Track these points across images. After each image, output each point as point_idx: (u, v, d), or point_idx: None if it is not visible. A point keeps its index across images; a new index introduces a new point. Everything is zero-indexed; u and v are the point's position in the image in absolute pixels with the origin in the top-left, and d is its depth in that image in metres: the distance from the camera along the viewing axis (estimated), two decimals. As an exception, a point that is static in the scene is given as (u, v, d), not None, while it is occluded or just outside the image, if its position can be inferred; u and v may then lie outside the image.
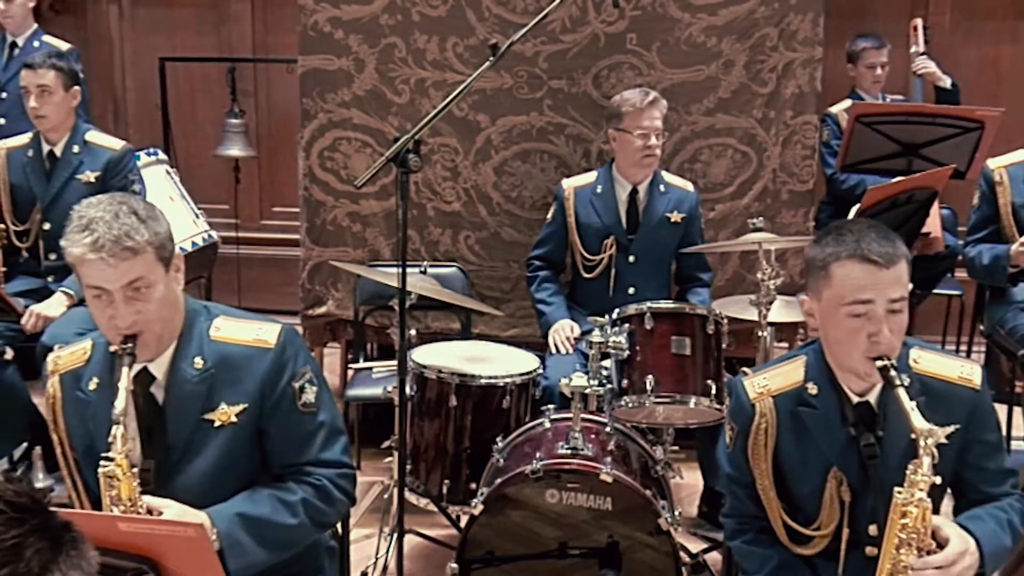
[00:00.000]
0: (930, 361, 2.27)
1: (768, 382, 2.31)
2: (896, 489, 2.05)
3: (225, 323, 2.27)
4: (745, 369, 2.40)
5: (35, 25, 5.33)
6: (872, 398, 2.22)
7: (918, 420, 2.02)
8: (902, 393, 2.06)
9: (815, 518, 2.26)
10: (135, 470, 2.07)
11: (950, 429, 2.20)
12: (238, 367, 2.22)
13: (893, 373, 2.08)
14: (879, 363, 2.10)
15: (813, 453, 2.25)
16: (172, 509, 2.08)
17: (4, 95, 5.18)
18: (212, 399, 2.21)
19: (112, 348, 2.16)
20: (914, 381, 2.20)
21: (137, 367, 2.16)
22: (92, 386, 2.23)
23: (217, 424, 2.21)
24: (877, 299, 2.11)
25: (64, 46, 5.12)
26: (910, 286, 2.19)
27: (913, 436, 2.03)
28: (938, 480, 2.05)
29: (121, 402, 2.05)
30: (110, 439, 2.05)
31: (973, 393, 2.25)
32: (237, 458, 2.23)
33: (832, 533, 2.24)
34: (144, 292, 2.10)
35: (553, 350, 3.76)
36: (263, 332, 2.26)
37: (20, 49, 5.23)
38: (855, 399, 2.23)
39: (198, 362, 2.21)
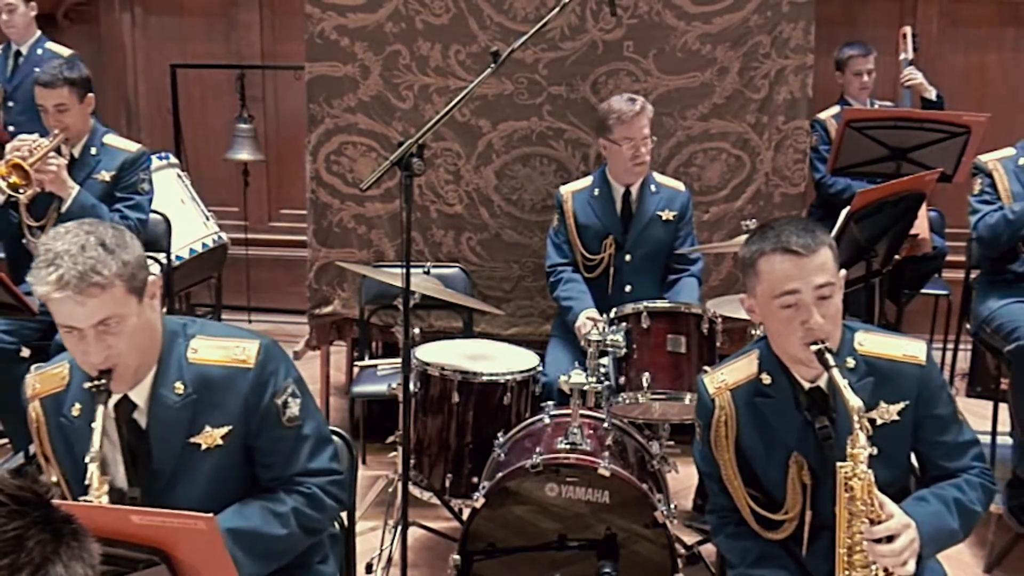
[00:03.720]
0: (874, 343, 2.29)
1: (725, 377, 2.35)
2: (838, 464, 2.08)
3: (202, 343, 2.15)
4: (706, 368, 2.43)
5: (38, 32, 5.28)
6: (823, 383, 2.24)
7: (852, 398, 2.07)
8: (836, 373, 2.10)
9: (783, 503, 2.28)
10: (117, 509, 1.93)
11: (900, 406, 2.23)
12: (219, 389, 2.12)
13: (828, 356, 2.12)
14: (813, 347, 2.13)
15: (773, 440, 2.28)
16: None
17: (11, 104, 5.13)
18: (196, 423, 2.12)
19: (86, 385, 2.05)
20: (860, 363, 2.24)
21: (117, 396, 2.07)
22: (75, 412, 2.13)
23: (204, 447, 2.12)
24: (803, 288, 2.14)
25: (66, 52, 5.10)
26: (842, 272, 2.22)
27: (849, 409, 2.06)
28: (875, 451, 2.08)
29: (96, 443, 1.96)
30: (87, 480, 1.96)
31: (919, 369, 2.27)
32: (227, 479, 2.16)
33: (798, 516, 2.26)
34: (115, 327, 1.98)
35: (583, 343, 3.69)
36: (240, 351, 2.15)
37: (25, 57, 5.19)
38: (807, 385, 2.25)
39: (178, 387, 2.11)
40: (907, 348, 2.29)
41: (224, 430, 2.13)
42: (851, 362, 2.23)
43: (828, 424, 2.20)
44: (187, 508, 1.97)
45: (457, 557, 2.93)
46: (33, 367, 2.26)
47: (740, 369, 2.35)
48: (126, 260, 1.99)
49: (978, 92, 5.46)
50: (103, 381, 2.00)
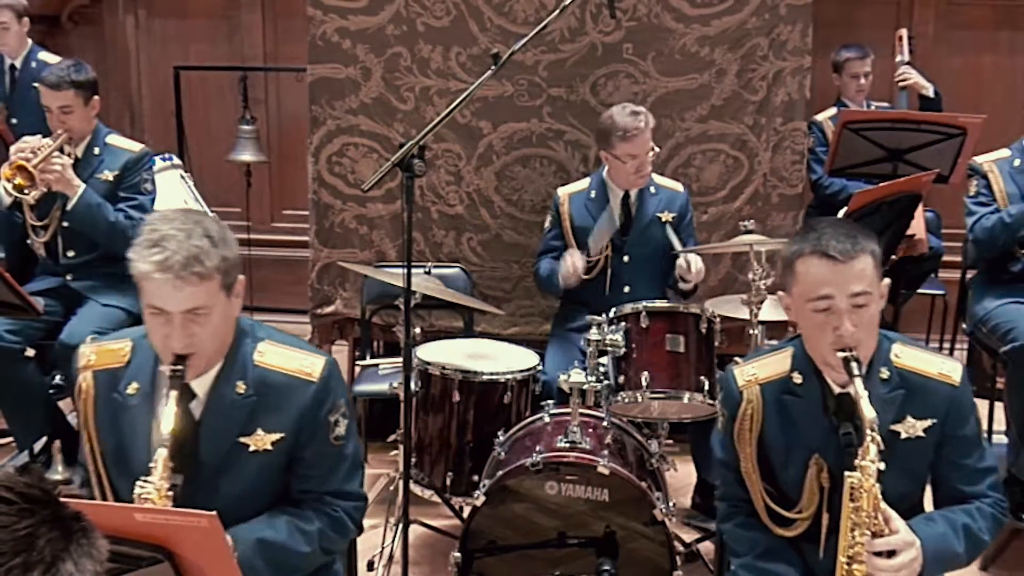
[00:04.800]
0: (911, 356, 2.26)
1: (756, 371, 2.32)
2: (847, 473, 2.06)
3: (270, 348, 2.16)
4: (737, 359, 2.41)
5: (30, 42, 5.18)
6: (853, 390, 2.20)
7: (867, 408, 2.04)
8: (859, 383, 2.07)
9: (797, 502, 2.26)
10: (170, 493, 1.96)
11: (928, 423, 2.20)
12: (279, 396, 2.13)
13: (854, 364, 2.09)
14: (840, 355, 2.11)
15: (796, 440, 2.25)
16: None
17: (15, 121, 4.99)
18: (250, 424, 2.12)
19: (162, 368, 2.06)
20: (894, 375, 2.21)
21: None
22: (131, 391, 2.13)
23: (252, 449, 2.12)
24: (837, 294, 2.11)
25: (56, 60, 4.83)
26: (886, 281, 2.19)
27: (864, 422, 2.04)
28: (882, 466, 2.05)
29: (168, 425, 1.97)
30: (152, 463, 1.96)
31: (951, 389, 2.24)
32: (265, 484, 2.17)
33: (812, 517, 2.25)
34: (202, 318, 2.00)
35: (568, 267, 3.73)
36: (307, 364, 2.16)
37: (20, 71, 5.10)
38: (837, 390, 2.22)
39: (240, 386, 2.11)
40: (943, 367, 2.25)
41: (276, 436, 2.13)
42: (885, 373, 2.20)
43: (852, 431, 2.17)
44: (223, 505, 1.93)
45: (458, 555, 2.94)
46: (89, 338, 2.26)
47: (772, 365, 2.31)
48: (226, 256, 2.02)
49: (974, 94, 5.45)
50: (180, 367, 2.01)
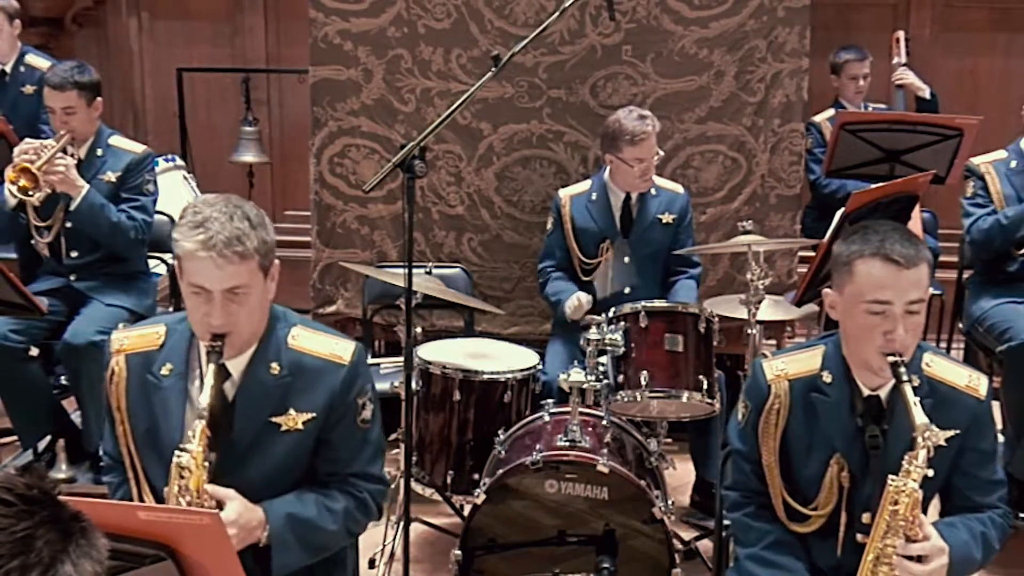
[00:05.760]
0: (941, 366, 2.27)
1: (786, 366, 2.30)
2: (890, 477, 2.05)
3: (302, 332, 2.24)
4: (765, 352, 2.40)
5: (19, 45, 5.01)
6: (883, 393, 2.22)
7: (919, 415, 2.03)
8: (908, 389, 2.06)
9: (814, 499, 2.26)
10: (207, 464, 2.04)
11: (950, 433, 2.19)
12: (312, 377, 2.20)
13: (903, 369, 2.08)
14: (891, 359, 2.09)
15: (820, 438, 2.25)
16: (234, 502, 2.07)
17: (12, 126, 4.96)
18: (283, 404, 2.18)
19: (201, 343, 2.14)
20: (923, 383, 2.21)
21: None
22: (165, 371, 2.19)
23: (283, 428, 2.18)
24: (895, 300, 2.10)
25: (46, 63, 4.80)
26: (931, 290, 2.18)
27: (914, 433, 2.03)
28: (931, 473, 2.05)
29: (206, 398, 2.04)
30: (190, 432, 2.03)
31: (977, 402, 2.25)
32: (296, 463, 2.22)
33: (828, 515, 2.25)
34: (241, 297, 2.08)
35: (569, 311, 3.71)
36: (339, 348, 2.24)
37: (10, 76, 4.96)
38: (866, 392, 2.22)
39: (274, 367, 2.18)
40: (970, 379, 2.26)
41: (307, 416, 2.20)
42: (916, 380, 2.17)
43: (879, 434, 2.17)
44: (253, 482, 2.11)
45: (458, 552, 2.94)
46: (121, 325, 2.35)
47: (803, 361, 2.30)
48: (265, 239, 2.11)
49: (970, 96, 5.45)
50: (219, 343, 2.08)
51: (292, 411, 2.19)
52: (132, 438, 2.22)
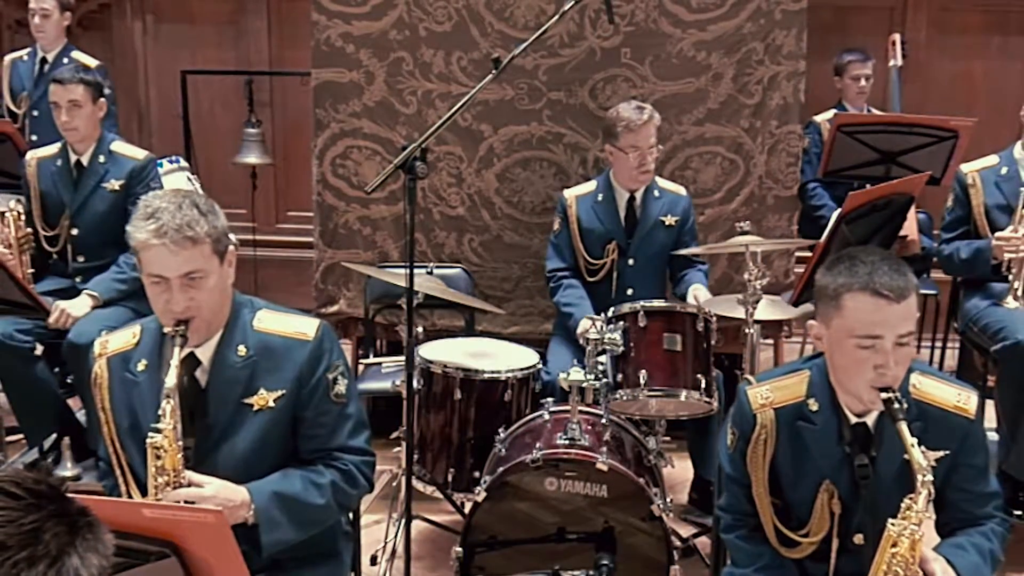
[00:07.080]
0: (929, 386, 2.21)
1: (771, 394, 2.25)
2: (890, 521, 2.01)
3: (267, 315, 2.30)
4: (748, 377, 2.36)
5: (65, 40, 5.21)
6: (869, 420, 2.18)
7: (918, 457, 1.98)
8: (904, 428, 2.00)
9: (805, 524, 2.23)
10: (180, 443, 2.09)
11: (940, 454, 2.16)
12: (278, 356, 2.25)
13: (896, 406, 2.02)
14: (884, 395, 2.03)
15: (808, 465, 2.21)
16: (213, 484, 2.12)
17: (36, 113, 5.02)
18: (252, 385, 2.24)
19: (166, 330, 2.19)
20: (911, 406, 2.14)
21: (184, 352, 2.17)
22: (140, 367, 2.26)
23: (256, 408, 2.23)
24: (886, 334, 2.03)
25: (93, 62, 4.99)
26: (917, 315, 2.12)
27: (915, 468, 1.99)
28: (933, 517, 2.03)
29: (172, 378, 2.09)
30: (160, 412, 2.08)
31: (967, 422, 2.21)
32: (272, 441, 2.26)
33: (820, 541, 2.22)
34: (198, 281, 2.14)
35: (580, 331, 3.64)
36: (302, 325, 2.30)
37: (50, 65, 5.08)
38: (853, 419, 2.18)
39: (241, 350, 2.24)
40: (959, 399, 2.21)
41: (277, 393, 2.24)
42: (904, 404, 2.09)
43: (867, 463, 2.13)
44: (232, 463, 2.18)
45: (459, 549, 2.94)
46: (103, 331, 2.41)
47: (787, 388, 2.25)
48: (215, 225, 2.18)
49: (966, 98, 5.45)
50: (182, 327, 2.15)
51: (262, 390, 2.23)
52: (117, 436, 2.27)
